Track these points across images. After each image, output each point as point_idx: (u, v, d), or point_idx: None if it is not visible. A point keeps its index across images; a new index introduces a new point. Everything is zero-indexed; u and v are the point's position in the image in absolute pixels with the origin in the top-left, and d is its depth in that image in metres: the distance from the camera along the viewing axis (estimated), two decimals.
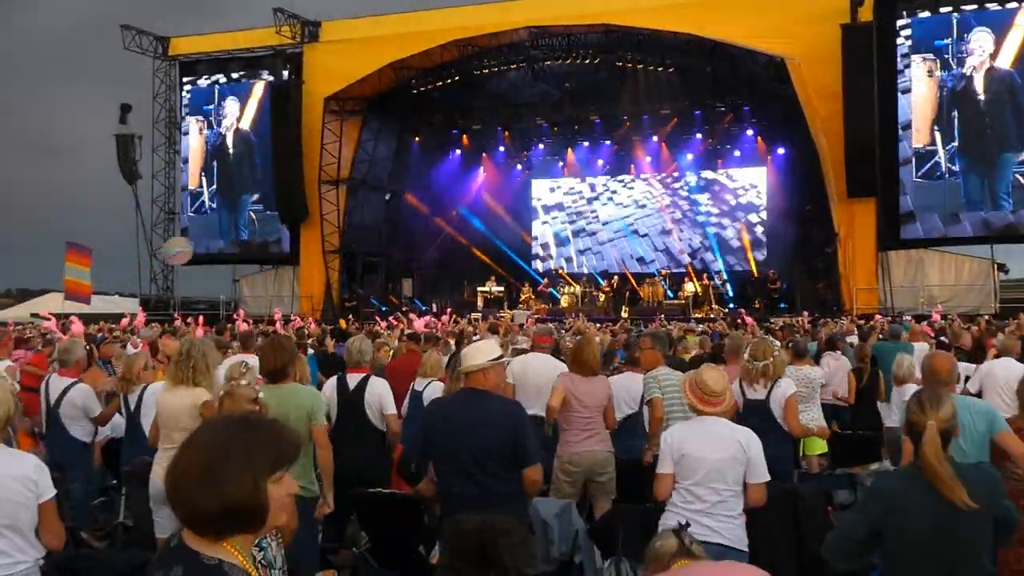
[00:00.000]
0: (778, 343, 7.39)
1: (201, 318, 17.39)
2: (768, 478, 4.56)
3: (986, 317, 18.22)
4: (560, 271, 33.00)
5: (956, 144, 23.44)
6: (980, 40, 23.17)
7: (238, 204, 31.04)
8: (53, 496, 3.82)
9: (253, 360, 5.87)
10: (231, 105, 31.28)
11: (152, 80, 32.74)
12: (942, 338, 12.03)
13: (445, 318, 19.47)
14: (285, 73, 29.52)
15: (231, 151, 31.24)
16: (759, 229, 31.19)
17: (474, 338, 10.21)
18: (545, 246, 34.46)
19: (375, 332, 13.81)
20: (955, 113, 23.49)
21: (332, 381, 6.79)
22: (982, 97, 23.24)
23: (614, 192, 33.55)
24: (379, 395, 6.56)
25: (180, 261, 27.82)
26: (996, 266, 23.91)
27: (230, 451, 1.92)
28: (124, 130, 31.35)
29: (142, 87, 32.82)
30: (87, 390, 7.02)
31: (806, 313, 20.57)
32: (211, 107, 31.66)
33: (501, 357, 4.81)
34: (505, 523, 4.38)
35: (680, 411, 6.24)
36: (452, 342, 11.10)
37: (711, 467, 4.49)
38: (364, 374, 6.69)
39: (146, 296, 31.17)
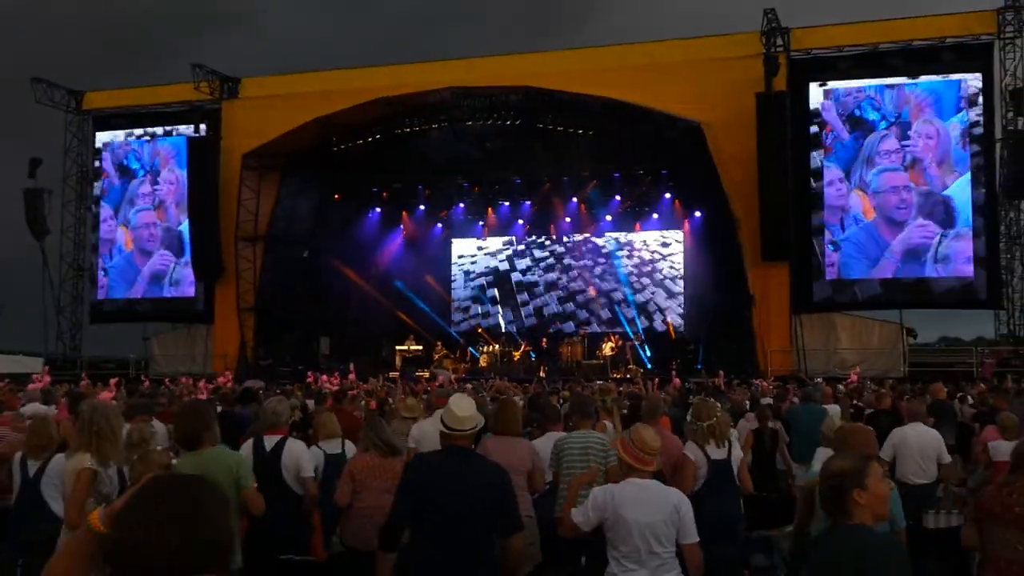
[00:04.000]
0: (718, 404, 7.36)
1: (115, 381, 16.71)
2: (698, 538, 4.50)
3: (890, 382, 18.50)
4: (479, 329, 33.05)
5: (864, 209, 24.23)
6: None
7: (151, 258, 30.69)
8: None
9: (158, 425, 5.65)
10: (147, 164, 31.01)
11: (64, 134, 32.26)
12: (856, 401, 12.11)
13: (352, 378, 19.30)
14: (203, 128, 29.29)
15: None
16: (677, 290, 31.69)
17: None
18: (464, 305, 34.59)
19: (318, 390, 13.71)
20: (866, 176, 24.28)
21: (248, 444, 6.58)
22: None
23: (534, 252, 33.90)
24: (296, 457, 6.40)
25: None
26: (905, 330, 24.50)
27: (213, 504, 1.98)
28: (33, 184, 30.65)
29: (53, 141, 32.33)
30: None
31: (721, 373, 20.68)
32: (126, 161, 31.34)
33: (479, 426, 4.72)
34: None
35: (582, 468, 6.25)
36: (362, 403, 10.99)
37: (647, 530, 4.43)
38: (281, 436, 6.54)
39: (52, 355, 30.24)
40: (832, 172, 24.51)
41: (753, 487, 8.36)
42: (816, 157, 24.66)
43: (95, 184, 31.88)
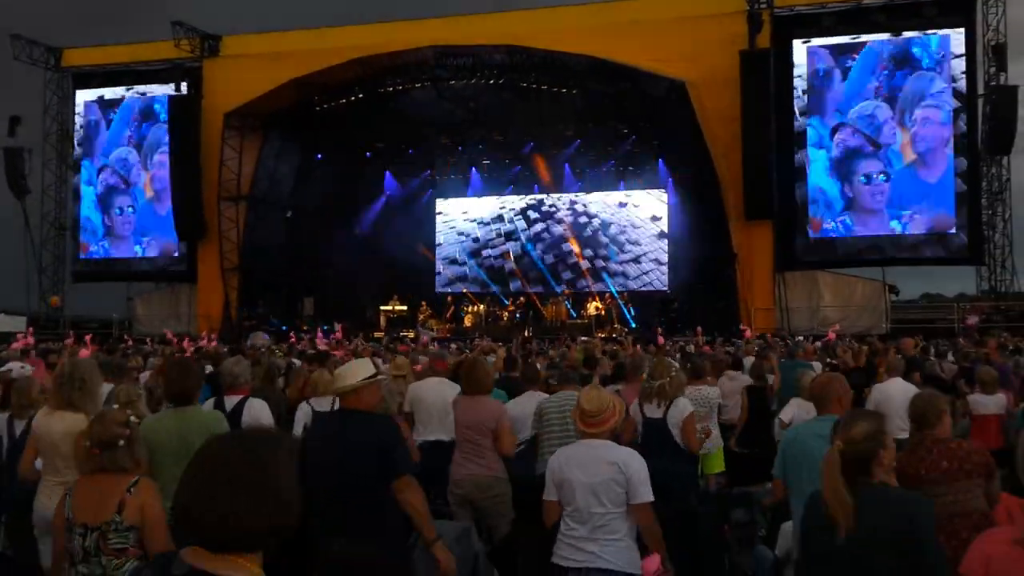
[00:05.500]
0: (675, 363, 7.36)
1: (89, 337, 16.71)
2: (651, 498, 4.44)
3: (870, 339, 18.55)
4: (464, 290, 33.14)
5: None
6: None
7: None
8: None
9: None
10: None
11: (43, 92, 32.01)
12: (830, 359, 12.18)
13: (338, 337, 19.42)
14: (184, 87, 29.03)
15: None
16: (661, 250, 31.69)
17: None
18: (449, 265, 34.55)
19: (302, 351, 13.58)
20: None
21: (208, 404, 6.43)
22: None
23: (518, 211, 33.83)
24: (257, 418, 6.29)
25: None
26: (887, 287, 24.69)
27: (278, 462, 1.85)
28: (13, 143, 30.46)
29: (33, 99, 32.04)
30: None
31: (699, 329, 20.94)
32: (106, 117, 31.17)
33: (375, 375, 4.76)
34: (369, 556, 4.08)
35: (559, 436, 6.33)
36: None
37: (588, 490, 4.41)
38: (242, 396, 6.47)
39: (35, 314, 30.14)
40: (815, 129, 24.66)
41: (748, 445, 8.93)
42: (799, 114, 24.80)
43: (75, 142, 31.73)
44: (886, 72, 24.05)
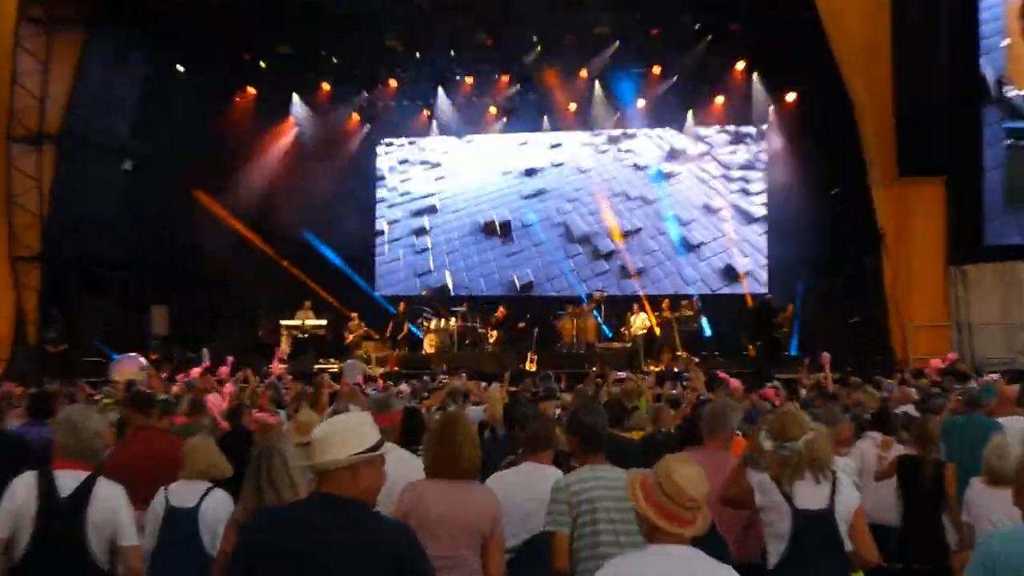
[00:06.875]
0: (806, 416, 7.48)
1: None
2: None
3: None
4: (423, 292, 33.57)
5: None
6: None
7: None
8: None
9: None
10: None
11: None
12: None
13: (224, 371, 19.46)
14: None
15: None
16: (755, 226, 31.76)
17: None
18: (398, 252, 34.78)
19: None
20: None
21: (28, 479, 6.63)
22: None
23: (515, 161, 34.03)
24: (112, 510, 6.52)
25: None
26: None
27: None
28: None
29: None
30: None
31: (826, 357, 18.79)
32: None
33: (378, 446, 4.79)
34: None
35: (612, 540, 6.37)
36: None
37: None
38: (86, 473, 6.61)
39: None
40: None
41: (906, 554, 9.27)
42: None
43: None
44: None
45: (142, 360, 24.09)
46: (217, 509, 7.38)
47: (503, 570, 6.49)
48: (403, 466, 7.02)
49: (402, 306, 31.97)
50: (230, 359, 21.44)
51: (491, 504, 6.48)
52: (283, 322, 30.51)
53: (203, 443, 7.99)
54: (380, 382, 20.93)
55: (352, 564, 4.50)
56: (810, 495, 6.63)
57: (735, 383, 16.89)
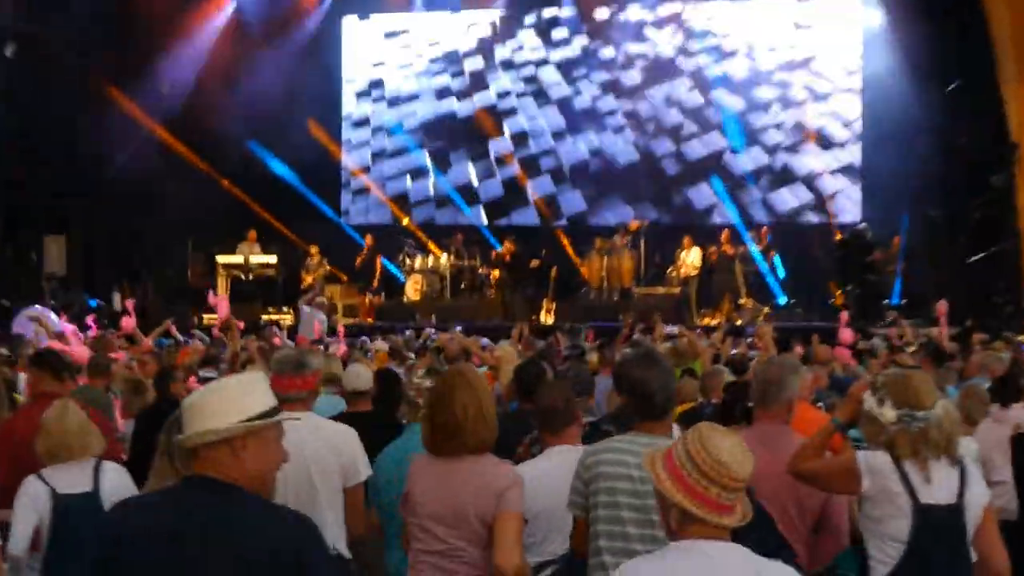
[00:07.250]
0: (929, 379, 6.74)
1: None
2: None
3: None
4: (405, 221, 32.59)
5: None
6: None
7: None
8: None
9: None
10: None
11: None
12: None
13: (128, 321, 17.79)
14: None
15: None
16: (846, 136, 30.51)
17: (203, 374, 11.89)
18: (369, 163, 33.95)
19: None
20: None
21: None
22: None
23: (525, 43, 33.12)
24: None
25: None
26: None
27: None
28: None
29: None
30: None
31: (941, 308, 18.05)
32: None
33: (275, 410, 4.29)
34: None
35: (635, 529, 5.85)
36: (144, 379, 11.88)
37: None
38: None
39: None
40: None
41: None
42: None
43: None
44: None
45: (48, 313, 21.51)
46: (122, 488, 6.81)
47: (517, 562, 5.59)
48: (318, 436, 6.90)
49: (369, 239, 30.56)
50: (129, 303, 19.33)
51: (496, 479, 5.80)
52: (220, 258, 28.94)
53: (77, 411, 7.18)
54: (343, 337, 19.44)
55: (237, 560, 3.98)
56: (936, 486, 5.83)
57: (846, 334, 16.43)
